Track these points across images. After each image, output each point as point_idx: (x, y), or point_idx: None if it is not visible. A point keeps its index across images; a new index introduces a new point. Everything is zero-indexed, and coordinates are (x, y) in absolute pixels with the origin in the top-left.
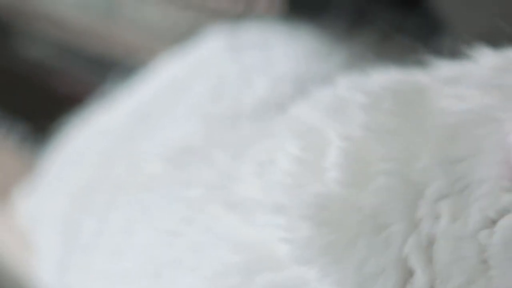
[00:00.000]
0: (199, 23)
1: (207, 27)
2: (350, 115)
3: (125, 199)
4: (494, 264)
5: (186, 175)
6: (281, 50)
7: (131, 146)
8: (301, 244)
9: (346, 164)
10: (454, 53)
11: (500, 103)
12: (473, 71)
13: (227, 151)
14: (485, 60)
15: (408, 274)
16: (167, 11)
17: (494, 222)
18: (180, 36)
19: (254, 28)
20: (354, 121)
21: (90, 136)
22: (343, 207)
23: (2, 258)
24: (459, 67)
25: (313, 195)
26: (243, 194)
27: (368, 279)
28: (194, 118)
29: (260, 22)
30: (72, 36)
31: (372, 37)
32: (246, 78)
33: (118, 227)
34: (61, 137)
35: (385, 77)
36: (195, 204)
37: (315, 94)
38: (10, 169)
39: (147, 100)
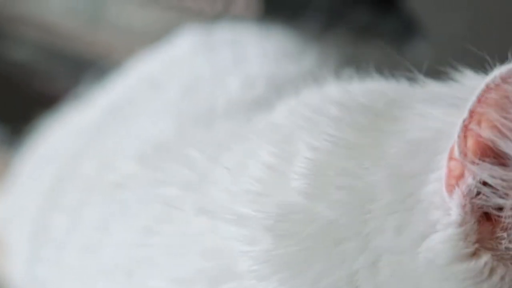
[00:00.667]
0: (180, 24)
1: (183, 27)
2: (321, 126)
3: (99, 197)
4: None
5: (161, 174)
6: (254, 50)
7: (104, 143)
8: (260, 259)
9: (309, 175)
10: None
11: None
12: (451, 91)
13: (202, 151)
14: (467, 82)
15: None
16: (149, 14)
17: (426, 237)
18: (161, 38)
19: (228, 28)
20: (323, 132)
21: (63, 135)
22: (304, 219)
23: None
24: (438, 87)
25: (276, 205)
26: (215, 199)
27: None
28: (168, 116)
29: (235, 22)
30: (58, 40)
31: (346, 38)
32: (219, 77)
33: (92, 224)
34: (35, 138)
35: (361, 89)
36: (170, 204)
37: (292, 99)
38: None
39: (121, 98)
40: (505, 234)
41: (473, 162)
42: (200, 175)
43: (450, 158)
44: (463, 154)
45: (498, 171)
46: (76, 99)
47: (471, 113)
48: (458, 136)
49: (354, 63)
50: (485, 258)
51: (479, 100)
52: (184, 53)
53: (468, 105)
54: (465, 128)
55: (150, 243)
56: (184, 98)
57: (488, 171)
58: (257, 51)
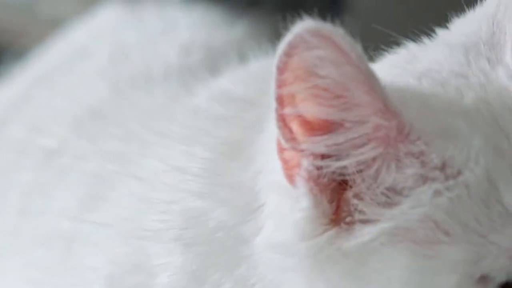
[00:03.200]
0: None
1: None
2: (210, 126)
3: (31, 160)
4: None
5: (96, 146)
6: (183, 20)
7: (33, 108)
8: (174, 270)
9: (204, 175)
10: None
11: None
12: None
13: (140, 120)
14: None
15: None
16: (81, 6)
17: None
18: None
19: (153, 3)
20: (218, 136)
21: None
22: (201, 222)
23: None
24: None
25: (179, 213)
26: (142, 191)
27: None
28: (100, 81)
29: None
30: None
31: (272, 13)
32: (150, 44)
33: (27, 188)
34: None
35: (243, 80)
36: (104, 180)
37: (203, 90)
38: None
39: (47, 67)
40: (356, 200)
41: (304, 142)
42: (137, 147)
43: (281, 150)
44: (292, 140)
45: (330, 138)
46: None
47: (279, 99)
48: (278, 127)
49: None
50: (328, 233)
51: (278, 85)
52: (111, 23)
53: (271, 93)
54: (282, 116)
55: (87, 219)
56: (116, 64)
57: (321, 143)
58: (186, 20)
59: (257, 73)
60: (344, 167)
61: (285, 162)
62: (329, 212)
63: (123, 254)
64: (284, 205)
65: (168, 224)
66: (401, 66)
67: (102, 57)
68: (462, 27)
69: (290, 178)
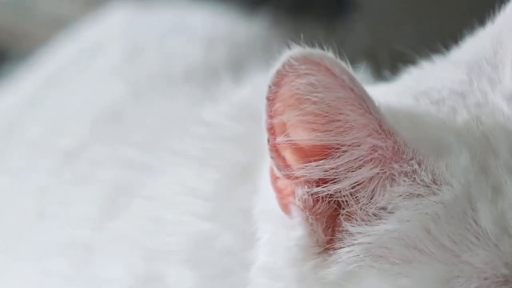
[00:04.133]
0: None
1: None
2: (235, 147)
3: (49, 161)
4: None
5: (114, 152)
6: (196, 15)
7: (47, 109)
8: None
9: (213, 198)
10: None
11: None
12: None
13: (160, 129)
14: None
15: None
16: (82, 6)
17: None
18: None
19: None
20: (230, 158)
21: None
22: (209, 245)
23: None
24: None
25: (186, 234)
26: (154, 210)
27: None
28: (116, 80)
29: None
30: None
31: (279, 14)
32: (166, 40)
33: (43, 190)
34: None
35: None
36: (123, 189)
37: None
38: None
39: (56, 67)
40: (346, 223)
41: (299, 169)
42: (151, 167)
43: (275, 179)
44: (286, 168)
45: (327, 163)
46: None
47: (270, 129)
48: (271, 157)
49: (288, 39)
50: (314, 262)
51: (270, 116)
52: (122, 20)
53: (263, 124)
54: (274, 146)
55: (106, 227)
56: (131, 62)
57: (318, 169)
58: (200, 15)
59: None
60: (339, 190)
61: (279, 191)
62: (323, 241)
63: (142, 269)
64: (279, 234)
65: (177, 246)
66: (405, 84)
67: (116, 54)
68: (470, 45)
69: (285, 207)
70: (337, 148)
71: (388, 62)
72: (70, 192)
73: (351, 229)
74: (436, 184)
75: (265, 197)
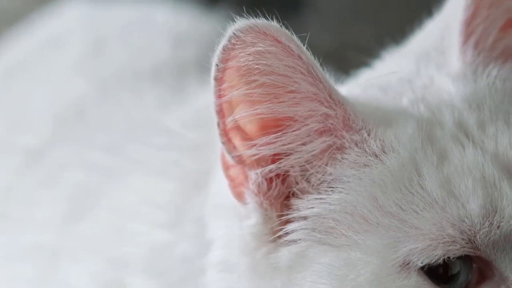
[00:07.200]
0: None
1: None
2: (192, 156)
3: (10, 160)
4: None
5: (80, 153)
6: (160, 11)
7: (5, 105)
8: None
9: (170, 207)
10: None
11: None
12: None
13: (125, 131)
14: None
15: None
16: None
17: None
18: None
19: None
20: (188, 167)
21: None
22: (167, 254)
23: None
24: None
25: (147, 243)
26: (116, 220)
27: None
28: (79, 76)
29: None
30: None
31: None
32: (130, 36)
33: (7, 194)
34: None
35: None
36: (88, 193)
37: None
38: None
39: (13, 61)
40: (297, 200)
41: (251, 147)
42: (115, 173)
43: (227, 167)
44: (237, 154)
45: (275, 139)
46: None
47: (219, 112)
48: (222, 142)
49: None
50: (266, 248)
51: (218, 96)
52: (80, 14)
53: (212, 107)
54: (224, 130)
55: (70, 231)
56: (93, 56)
57: (271, 144)
58: (164, 12)
59: None
60: (292, 165)
61: (231, 179)
62: (277, 228)
63: (105, 278)
64: (232, 225)
65: (137, 256)
66: (355, 82)
67: (77, 48)
68: (419, 37)
69: (238, 195)
70: (290, 120)
71: (342, 60)
72: (34, 194)
73: (300, 204)
74: (385, 153)
75: (216, 192)
